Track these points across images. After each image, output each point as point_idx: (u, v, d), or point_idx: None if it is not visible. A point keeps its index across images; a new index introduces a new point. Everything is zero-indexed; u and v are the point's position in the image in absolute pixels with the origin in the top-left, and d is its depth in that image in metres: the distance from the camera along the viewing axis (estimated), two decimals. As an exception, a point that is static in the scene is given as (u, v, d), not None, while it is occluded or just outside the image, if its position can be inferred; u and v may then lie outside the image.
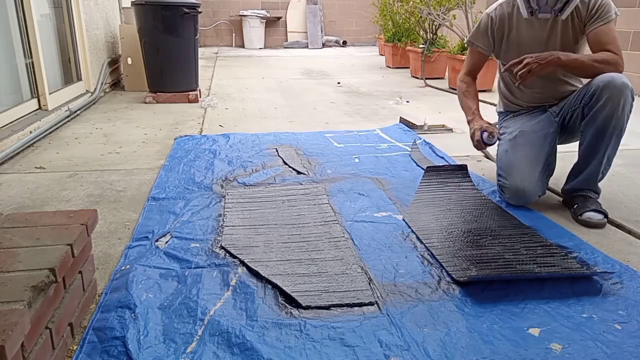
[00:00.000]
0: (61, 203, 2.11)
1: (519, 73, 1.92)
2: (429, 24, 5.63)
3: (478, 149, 2.12)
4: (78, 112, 3.75)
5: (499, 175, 2.11)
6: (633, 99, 1.86)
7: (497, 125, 2.37)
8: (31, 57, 3.26)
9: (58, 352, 1.14)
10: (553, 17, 2.00)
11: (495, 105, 3.61)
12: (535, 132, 2.09)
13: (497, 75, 2.38)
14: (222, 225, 1.86)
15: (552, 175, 2.11)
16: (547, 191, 2.26)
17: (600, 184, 2.03)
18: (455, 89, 4.83)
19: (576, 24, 2.00)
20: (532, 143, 2.06)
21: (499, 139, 2.07)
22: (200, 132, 3.28)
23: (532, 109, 2.20)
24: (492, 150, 2.80)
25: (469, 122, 2.17)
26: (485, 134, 2.03)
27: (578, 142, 2.03)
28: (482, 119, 2.14)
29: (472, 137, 2.10)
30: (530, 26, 2.08)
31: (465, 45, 2.28)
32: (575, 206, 1.99)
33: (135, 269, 1.53)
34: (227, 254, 1.65)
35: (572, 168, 2.05)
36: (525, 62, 1.91)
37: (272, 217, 1.92)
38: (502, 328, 1.29)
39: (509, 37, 2.12)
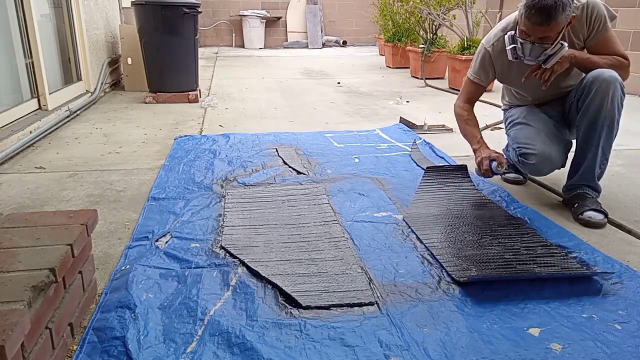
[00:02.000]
0: (61, 203, 2.11)
1: (542, 76, 1.97)
2: (429, 24, 5.63)
3: (485, 177, 2.10)
4: (78, 112, 3.75)
5: (520, 145, 2.06)
6: (623, 93, 1.90)
7: (503, 119, 2.39)
8: (31, 57, 3.26)
9: (58, 352, 1.14)
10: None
11: (496, 105, 3.62)
12: (541, 113, 2.16)
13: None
14: (222, 225, 1.86)
15: (570, 149, 2.11)
16: (547, 191, 2.27)
17: (600, 184, 2.03)
18: (455, 89, 4.85)
19: (575, 44, 2.00)
20: (544, 120, 2.11)
21: (506, 168, 2.08)
22: (200, 132, 3.28)
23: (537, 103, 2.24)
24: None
25: (475, 151, 2.15)
26: (494, 164, 2.03)
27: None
28: (488, 147, 2.13)
29: (479, 165, 2.08)
30: None
31: (467, 77, 2.23)
32: (575, 205, 1.99)
33: (135, 269, 1.53)
34: (227, 254, 1.65)
35: (571, 164, 2.07)
36: (543, 66, 1.96)
37: (272, 217, 1.92)
38: (502, 328, 1.29)
39: (510, 65, 2.11)
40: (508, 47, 1.99)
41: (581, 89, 1.96)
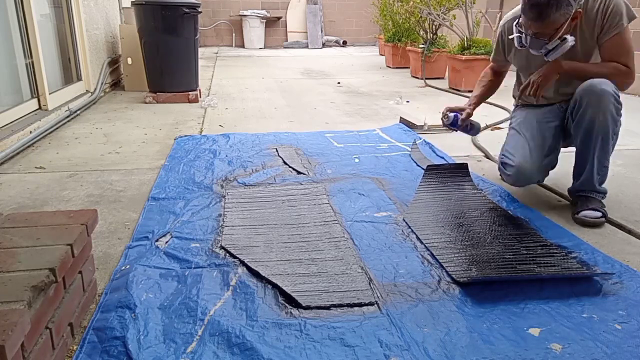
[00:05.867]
0: (61, 203, 2.11)
1: (532, 92, 1.99)
2: (429, 24, 5.63)
3: (448, 127, 2.26)
4: (78, 112, 3.75)
5: (503, 153, 2.12)
6: (618, 102, 1.85)
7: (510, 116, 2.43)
8: (31, 57, 3.26)
9: (58, 352, 1.14)
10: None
11: (498, 106, 3.65)
12: (540, 121, 2.13)
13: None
14: (222, 225, 1.86)
15: (554, 167, 2.12)
16: (547, 191, 2.27)
17: (604, 186, 2.01)
18: (455, 89, 4.85)
19: (587, 36, 1.94)
20: (538, 129, 2.11)
21: (455, 123, 2.20)
22: (200, 132, 3.28)
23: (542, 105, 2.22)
24: (493, 150, 2.80)
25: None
26: (456, 115, 2.19)
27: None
28: (470, 106, 2.24)
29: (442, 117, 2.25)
30: None
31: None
32: (576, 206, 1.99)
33: (135, 269, 1.53)
34: (227, 254, 1.65)
35: (573, 169, 2.05)
36: (531, 82, 1.98)
37: (272, 217, 1.92)
38: (502, 328, 1.29)
39: (518, 49, 2.10)
40: (514, 35, 1.96)
41: (573, 101, 1.93)
